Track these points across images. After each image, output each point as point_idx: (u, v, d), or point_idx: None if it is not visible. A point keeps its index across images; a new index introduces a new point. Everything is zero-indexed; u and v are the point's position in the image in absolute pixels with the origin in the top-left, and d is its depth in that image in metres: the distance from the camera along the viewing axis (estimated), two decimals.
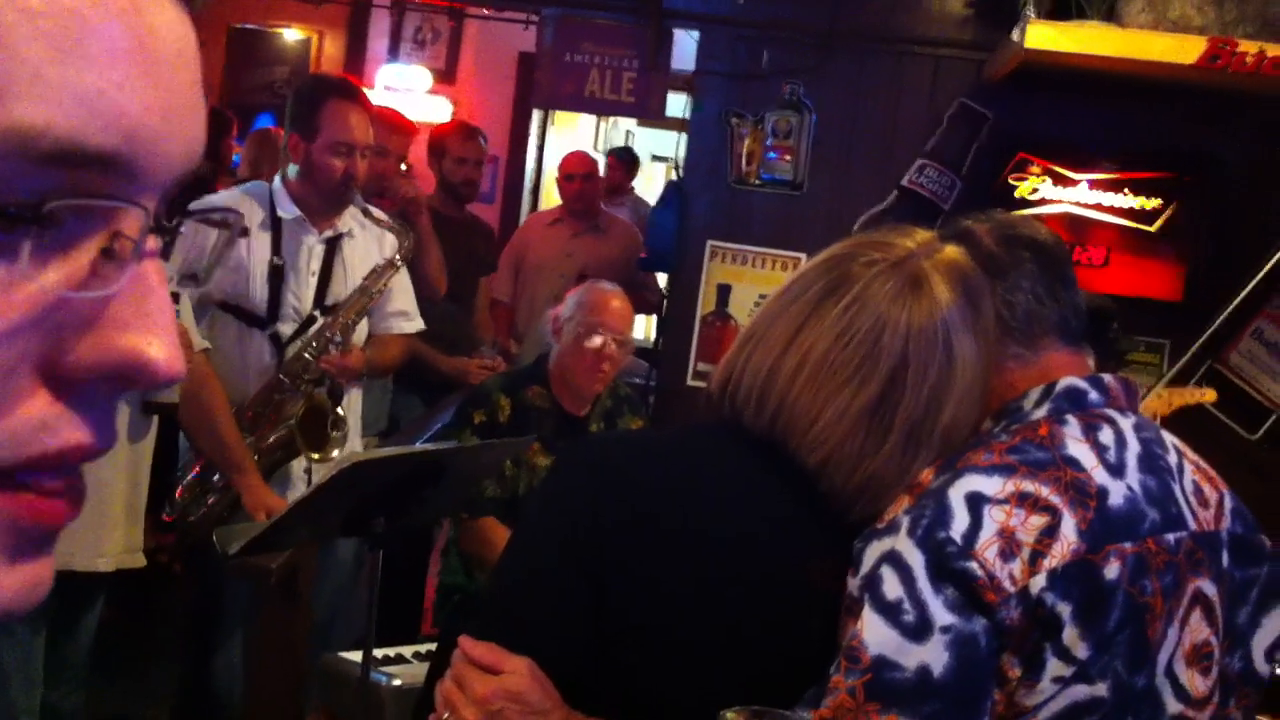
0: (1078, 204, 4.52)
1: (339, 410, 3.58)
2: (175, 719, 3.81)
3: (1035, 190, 4.52)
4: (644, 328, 7.23)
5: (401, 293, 3.90)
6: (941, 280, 1.51)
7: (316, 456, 3.55)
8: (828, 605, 1.48)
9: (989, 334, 1.56)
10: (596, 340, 3.68)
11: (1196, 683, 1.53)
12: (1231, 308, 4.26)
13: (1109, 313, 3.31)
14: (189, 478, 3.52)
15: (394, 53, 8.21)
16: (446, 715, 1.43)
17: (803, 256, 4.74)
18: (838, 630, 1.46)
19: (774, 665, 1.48)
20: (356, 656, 3.08)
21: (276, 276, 3.58)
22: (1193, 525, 1.54)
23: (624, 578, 1.46)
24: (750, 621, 1.48)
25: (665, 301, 5.30)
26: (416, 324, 3.99)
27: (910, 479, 1.50)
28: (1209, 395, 3.81)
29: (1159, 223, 4.53)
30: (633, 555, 1.46)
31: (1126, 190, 4.52)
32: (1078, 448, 1.51)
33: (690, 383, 4.83)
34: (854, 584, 1.44)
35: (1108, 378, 1.60)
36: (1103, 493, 1.47)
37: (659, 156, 12.02)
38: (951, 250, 1.57)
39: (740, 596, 1.48)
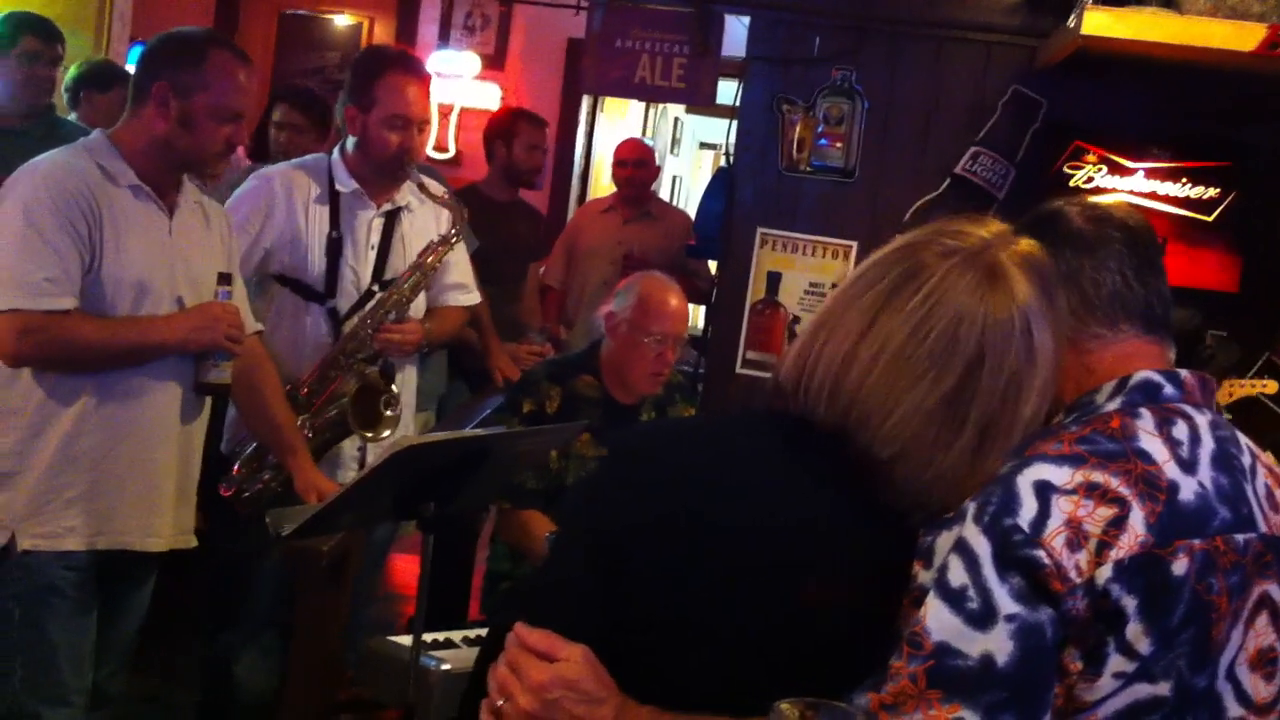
0: (1134, 193, 4.44)
1: (392, 388, 3.55)
2: (204, 701, 3.82)
3: (1090, 179, 4.46)
4: (693, 315, 7.21)
5: (458, 265, 3.87)
6: (1019, 272, 1.50)
7: (369, 435, 3.54)
8: (861, 605, 1.47)
9: (1063, 328, 1.54)
10: (656, 345, 3.65)
11: (1260, 688, 1.51)
12: None
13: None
14: (246, 453, 3.51)
15: (444, 38, 8.22)
16: (501, 702, 1.43)
17: (853, 245, 4.71)
18: (868, 628, 1.45)
19: (804, 664, 1.46)
20: (405, 640, 3.08)
21: (334, 249, 3.56)
22: (1263, 528, 1.52)
23: (656, 570, 1.45)
24: (783, 618, 1.46)
25: (715, 289, 5.28)
26: (474, 296, 3.96)
27: (981, 477, 1.47)
28: (1270, 386, 3.76)
29: (1216, 213, 4.46)
30: (667, 549, 1.45)
31: (1184, 179, 4.46)
32: (1150, 441, 1.49)
33: (739, 370, 4.80)
34: (927, 577, 1.42)
35: (1184, 373, 1.58)
36: (1173, 487, 1.45)
37: (707, 144, 12.01)
38: (1026, 242, 1.55)
39: (774, 593, 1.46)
